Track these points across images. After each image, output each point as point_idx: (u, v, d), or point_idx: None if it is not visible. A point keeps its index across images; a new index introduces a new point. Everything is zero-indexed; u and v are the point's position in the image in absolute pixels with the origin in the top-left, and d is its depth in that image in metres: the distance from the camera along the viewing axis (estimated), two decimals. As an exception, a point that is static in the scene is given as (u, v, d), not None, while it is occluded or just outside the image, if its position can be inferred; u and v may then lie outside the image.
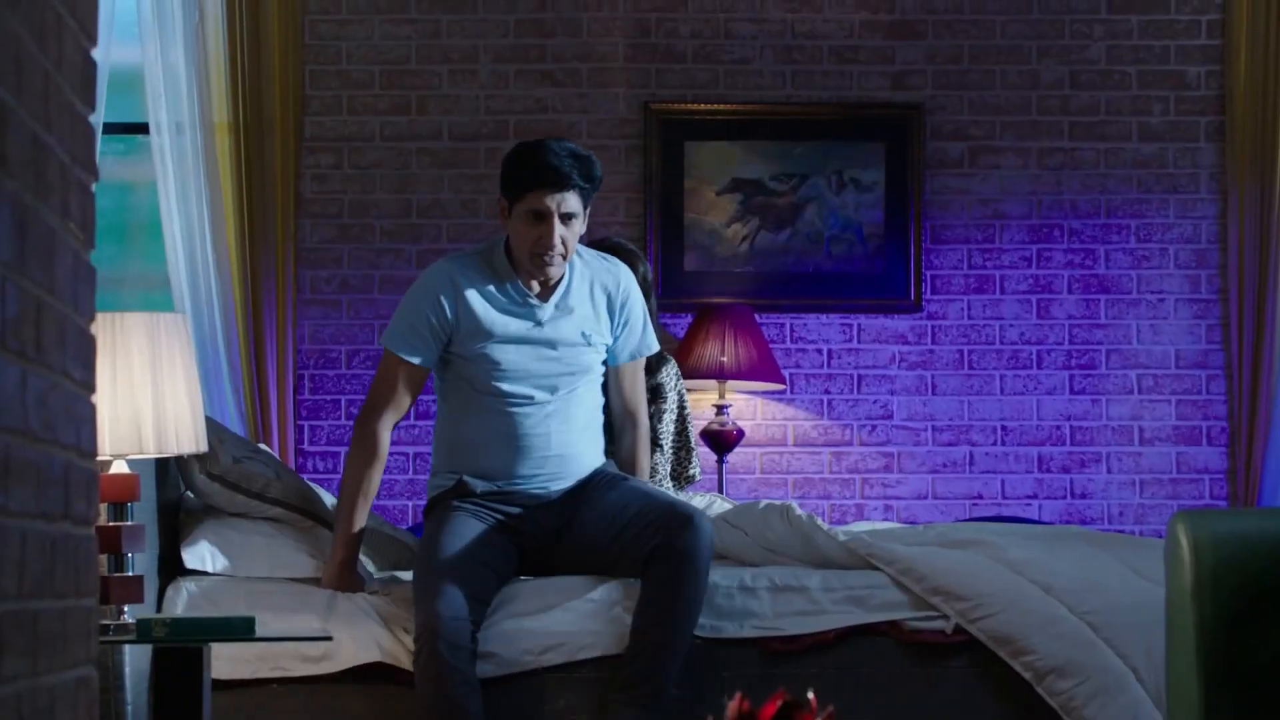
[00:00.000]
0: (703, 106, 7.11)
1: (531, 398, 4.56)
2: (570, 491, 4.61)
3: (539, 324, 4.57)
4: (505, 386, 4.56)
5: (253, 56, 6.87)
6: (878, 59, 7.16)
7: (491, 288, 4.57)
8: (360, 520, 4.59)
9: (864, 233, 7.10)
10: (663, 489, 5.13)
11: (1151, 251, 7.15)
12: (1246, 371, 6.99)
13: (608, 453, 4.82)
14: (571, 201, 4.48)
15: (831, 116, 7.13)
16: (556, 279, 4.59)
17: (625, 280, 4.71)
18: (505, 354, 4.55)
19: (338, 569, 4.58)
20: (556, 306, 4.58)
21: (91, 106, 2.46)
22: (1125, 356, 7.13)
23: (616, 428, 4.85)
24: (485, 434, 4.60)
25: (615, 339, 4.70)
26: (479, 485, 4.57)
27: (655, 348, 4.83)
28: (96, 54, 2.52)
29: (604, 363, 4.73)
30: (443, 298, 4.55)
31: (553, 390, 4.58)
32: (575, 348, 4.60)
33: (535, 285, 4.58)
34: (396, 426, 4.75)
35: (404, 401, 4.63)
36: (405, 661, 4.40)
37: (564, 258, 4.52)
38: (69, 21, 2.35)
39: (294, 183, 6.96)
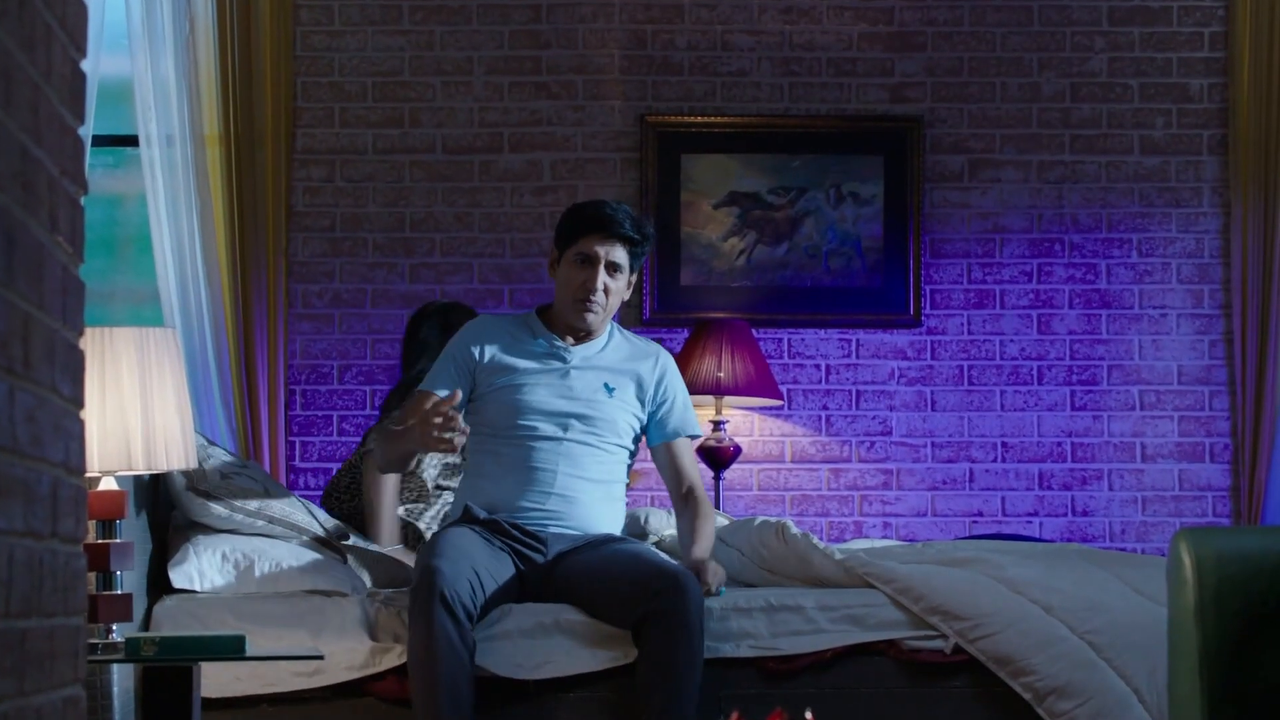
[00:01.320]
0: (699, 119, 7.11)
1: (543, 434, 4.67)
2: (570, 538, 4.63)
3: (562, 365, 4.70)
4: (520, 420, 4.67)
5: (244, 68, 6.87)
6: (876, 71, 7.17)
7: (523, 335, 4.77)
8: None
9: (863, 247, 7.10)
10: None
11: (1154, 266, 7.16)
12: (1250, 387, 6.99)
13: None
14: (619, 254, 4.70)
15: (830, 129, 7.14)
16: (594, 333, 4.76)
17: (663, 358, 4.87)
18: (523, 388, 4.69)
19: (407, 418, 4.48)
20: (581, 355, 4.76)
21: (80, 118, 2.46)
22: (1127, 372, 7.13)
23: (676, 510, 4.89)
24: (495, 466, 4.71)
25: (655, 415, 4.83)
26: (481, 513, 4.63)
27: (698, 431, 4.94)
28: (85, 65, 2.52)
29: (631, 432, 4.81)
30: (469, 340, 4.75)
31: (564, 428, 4.66)
32: (595, 393, 4.73)
33: (569, 339, 4.76)
34: None
35: None
36: (394, 659, 4.41)
37: (604, 310, 4.71)
38: (58, 33, 2.35)
39: (285, 196, 6.96)
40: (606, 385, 4.73)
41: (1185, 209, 7.16)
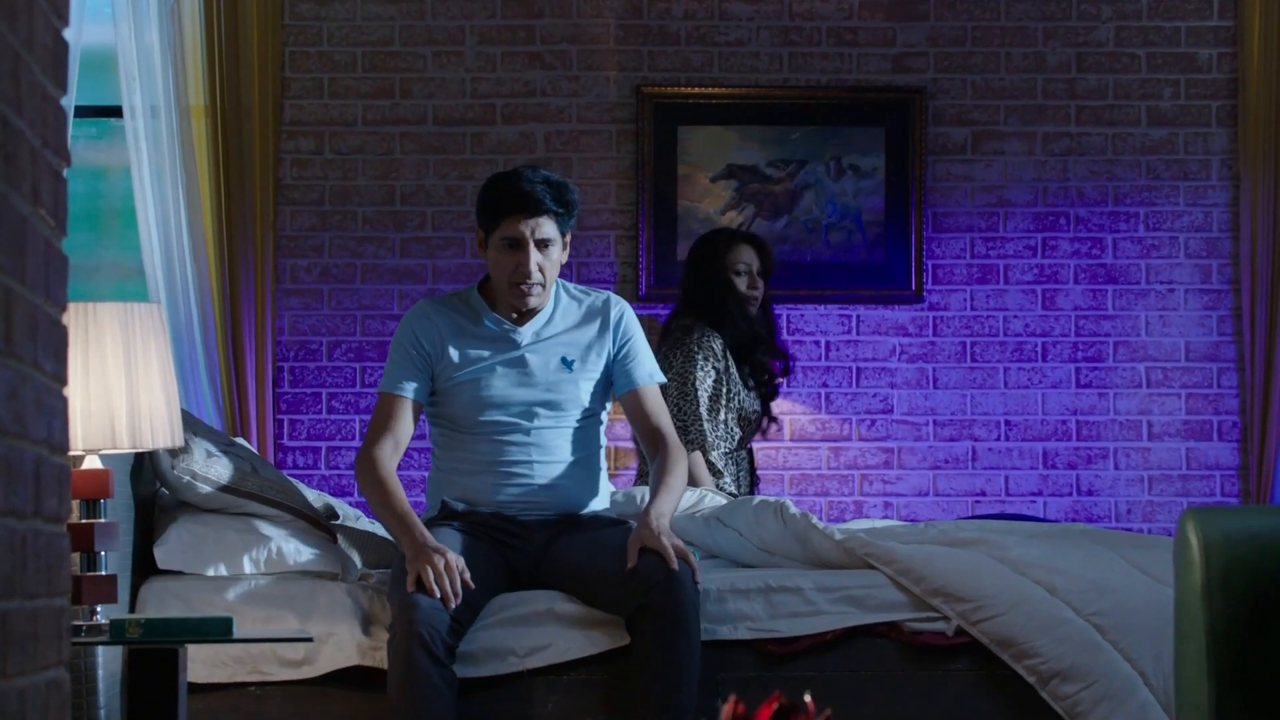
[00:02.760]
0: (697, 90, 7.10)
1: (511, 426, 4.61)
2: (554, 523, 4.62)
3: (516, 349, 4.62)
4: (483, 416, 4.62)
5: (230, 37, 6.86)
6: (878, 41, 7.16)
7: (467, 322, 4.67)
8: (412, 515, 4.47)
9: (863, 221, 7.10)
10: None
11: (1161, 240, 7.16)
12: (1259, 364, 6.99)
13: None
14: (547, 227, 4.57)
15: (830, 100, 7.13)
16: (537, 309, 4.65)
17: (615, 305, 4.76)
18: (481, 382, 4.63)
19: (418, 553, 4.39)
20: (533, 333, 4.64)
21: (63, 88, 2.46)
22: (1134, 349, 7.13)
23: (648, 456, 4.81)
24: (467, 463, 4.67)
25: (615, 364, 4.72)
26: (460, 506, 4.61)
27: (661, 378, 4.83)
28: (68, 34, 2.51)
29: (599, 396, 4.73)
30: (419, 332, 4.65)
31: (531, 418, 4.61)
32: (555, 374, 4.64)
33: (514, 315, 4.66)
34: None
35: (399, 432, 4.62)
36: (385, 662, 4.39)
37: (543, 287, 4.60)
38: (40, 0, 2.34)
39: (273, 168, 6.95)
40: (564, 359, 4.65)
41: (1193, 182, 7.15)
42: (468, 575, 4.32)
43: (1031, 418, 7.11)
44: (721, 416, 5.97)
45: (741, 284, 6.18)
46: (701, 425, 5.89)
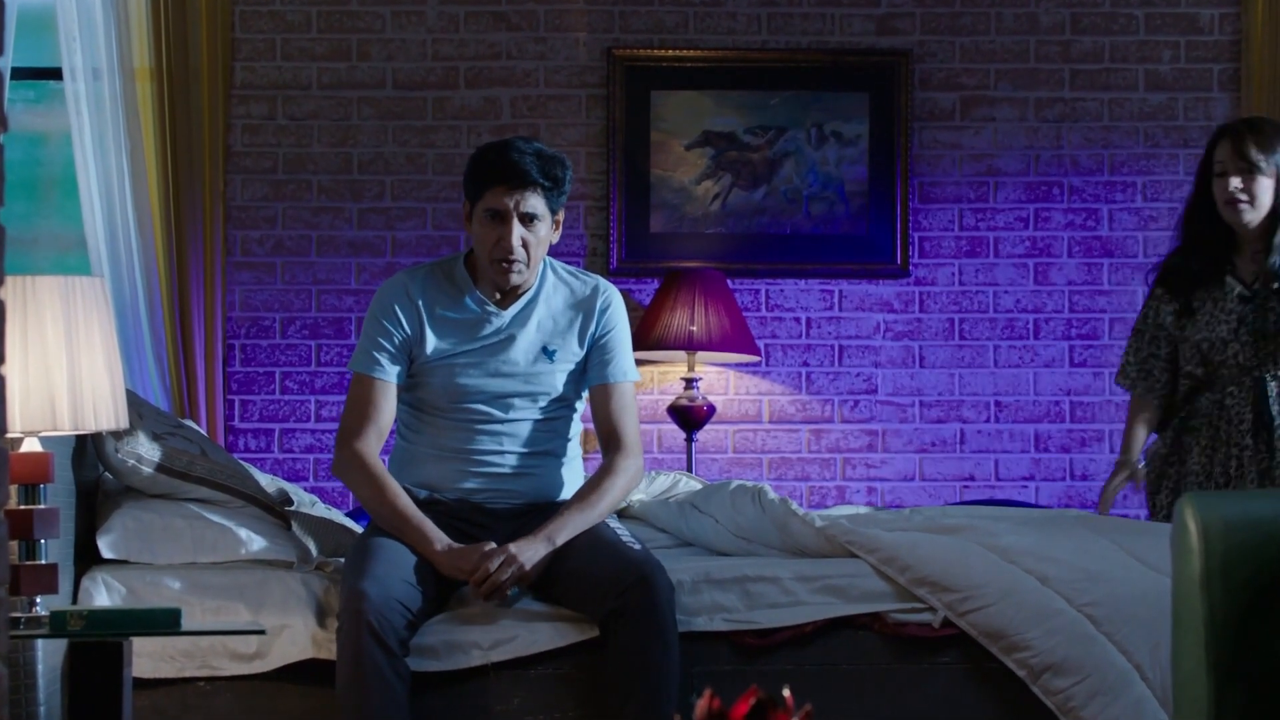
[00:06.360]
0: (671, 52, 7.10)
1: (484, 415, 4.60)
2: (523, 512, 4.62)
3: (496, 336, 4.61)
4: (459, 403, 4.62)
5: (177, -5, 6.85)
6: (862, 1, 7.16)
7: (449, 300, 4.65)
8: (417, 514, 4.52)
9: (846, 191, 7.11)
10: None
11: (1159, 211, 7.17)
12: (1261, 343, 7.01)
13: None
14: (533, 201, 4.54)
15: (811, 64, 7.13)
16: (521, 288, 4.63)
17: (605, 293, 4.74)
18: (457, 369, 4.61)
19: (445, 555, 4.47)
20: (515, 317, 4.62)
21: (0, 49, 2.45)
22: (1130, 326, 7.15)
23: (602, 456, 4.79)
24: (434, 448, 4.66)
25: (590, 354, 4.70)
26: (422, 494, 4.61)
27: (632, 377, 4.77)
28: (5, -8, 2.50)
29: (577, 385, 4.72)
30: (399, 309, 4.62)
31: (506, 409, 4.61)
32: (534, 364, 4.63)
33: (497, 295, 4.64)
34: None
35: (381, 420, 4.63)
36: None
37: (527, 265, 4.57)
38: (-25, -44, 2.34)
39: (223, 135, 6.93)
40: (545, 349, 4.64)
41: (1194, 150, 7.16)
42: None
43: (1023, 398, 7.12)
44: (1145, 353, 5.54)
45: (1220, 187, 5.43)
46: (1128, 359, 5.57)
